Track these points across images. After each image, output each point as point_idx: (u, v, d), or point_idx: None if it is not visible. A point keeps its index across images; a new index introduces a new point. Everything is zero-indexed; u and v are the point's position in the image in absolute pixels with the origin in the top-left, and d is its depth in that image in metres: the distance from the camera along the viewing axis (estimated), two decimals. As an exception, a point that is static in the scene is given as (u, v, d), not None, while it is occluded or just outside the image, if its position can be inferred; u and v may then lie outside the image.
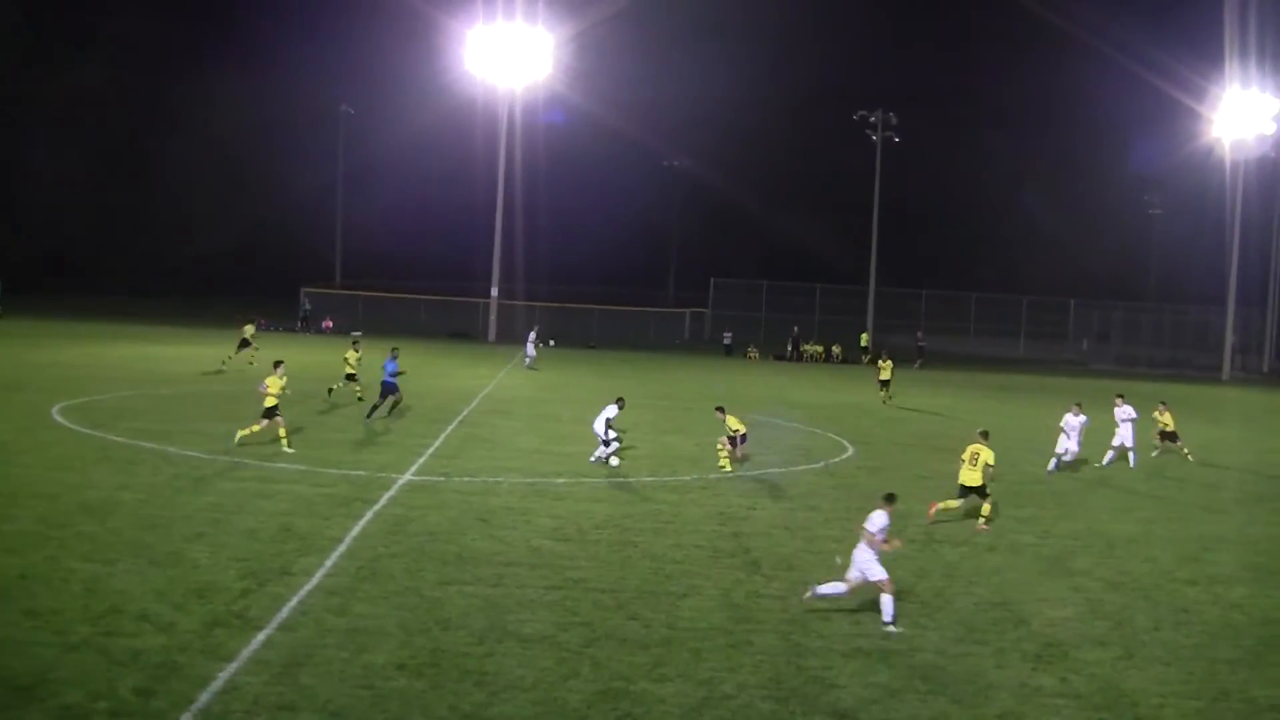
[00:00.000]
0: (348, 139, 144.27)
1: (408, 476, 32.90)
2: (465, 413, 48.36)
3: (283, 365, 38.18)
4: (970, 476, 30.40)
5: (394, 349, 47.14)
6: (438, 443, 39.24)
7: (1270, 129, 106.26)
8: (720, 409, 38.35)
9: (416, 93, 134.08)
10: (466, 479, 33.20)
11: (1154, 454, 45.19)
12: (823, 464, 39.74)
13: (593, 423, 37.54)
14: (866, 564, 21.27)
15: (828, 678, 18.33)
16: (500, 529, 26.94)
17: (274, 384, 37.08)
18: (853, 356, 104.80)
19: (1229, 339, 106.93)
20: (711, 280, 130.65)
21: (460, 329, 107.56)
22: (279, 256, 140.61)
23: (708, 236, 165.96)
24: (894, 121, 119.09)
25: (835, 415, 54.84)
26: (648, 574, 23.72)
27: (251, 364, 61.11)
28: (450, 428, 43.25)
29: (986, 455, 30.32)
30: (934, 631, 20.98)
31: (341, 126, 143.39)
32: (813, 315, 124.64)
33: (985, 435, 31.16)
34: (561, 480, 33.85)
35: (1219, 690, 18.92)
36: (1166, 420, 45.32)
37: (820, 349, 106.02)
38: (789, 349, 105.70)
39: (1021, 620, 21.94)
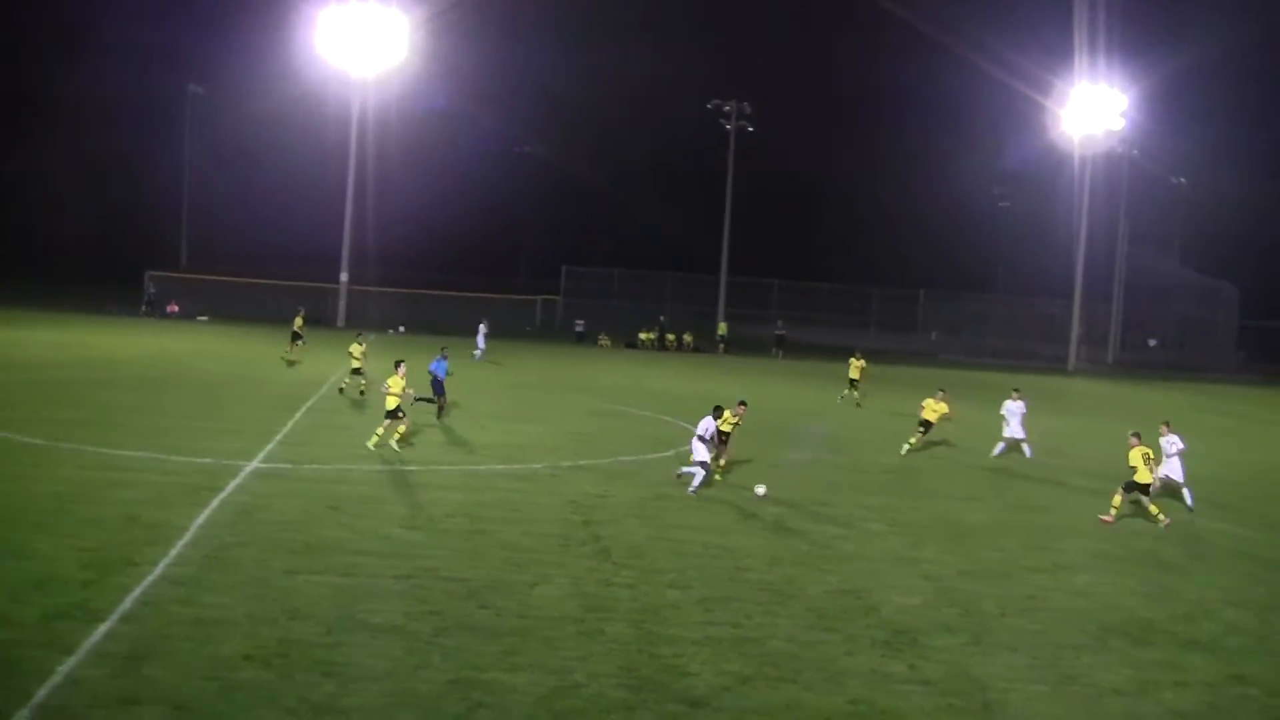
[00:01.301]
0: (197, 121, 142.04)
1: (255, 464, 32.42)
2: (314, 400, 47.76)
3: (404, 365, 37.89)
4: (1142, 475, 31.90)
5: (444, 349, 46.45)
6: (286, 429, 38.72)
7: (1118, 125, 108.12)
8: (742, 404, 36.28)
9: (267, 74, 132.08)
10: (316, 467, 32.81)
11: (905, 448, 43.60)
12: (674, 453, 39.76)
13: (693, 448, 33.36)
14: None
15: (680, 666, 18.33)
16: (351, 517, 26.63)
17: (395, 384, 36.60)
18: (706, 346, 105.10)
19: (1075, 331, 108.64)
20: (563, 268, 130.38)
21: (309, 315, 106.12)
22: (125, 240, 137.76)
23: (561, 224, 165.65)
24: (748, 111, 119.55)
25: (687, 404, 54.93)
26: (499, 562, 23.58)
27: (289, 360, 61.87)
28: (299, 414, 42.71)
29: (1139, 454, 31.94)
30: (785, 619, 21.07)
31: (190, 107, 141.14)
32: (665, 304, 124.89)
33: (1139, 436, 32.47)
34: (413, 468, 33.57)
35: (1064, 675, 19.25)
36: (935, 408, 43.71)
37: (673, 338, 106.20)
38: (657, 338, 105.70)
39: (872, 608, 22.12)
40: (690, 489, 32.80)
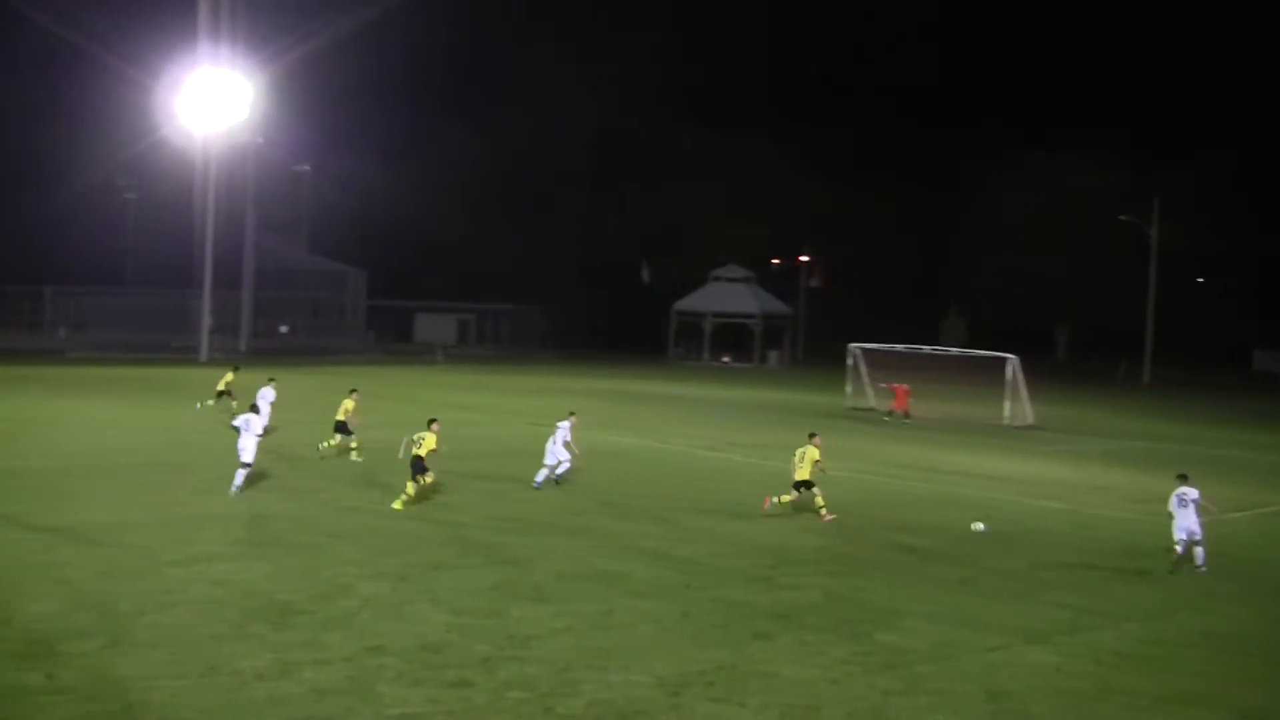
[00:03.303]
0: None
1: None
2: None
3: None
4: (801, 472, 34.23)
5: None
6: None
7: (244, 113, 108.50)
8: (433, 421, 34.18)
9: None
10: None
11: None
12: None
13: (241, 449, 33.74)
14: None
15: None
16: None
17: None
18: None
19: (206, 320, 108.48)
20: None
21: None
22: None
23: None
24: None
25: None
26: None
27: None
28: None
29: (813, 454, 34.24)
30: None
31: None
32: None
33: (812, 436, 35.00)
34: None
35: (207, 666, 19.16)
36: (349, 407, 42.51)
37: None
38: None
39: (4, 620, 21.09)
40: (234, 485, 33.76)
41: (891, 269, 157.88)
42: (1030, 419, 65.62)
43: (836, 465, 45.99)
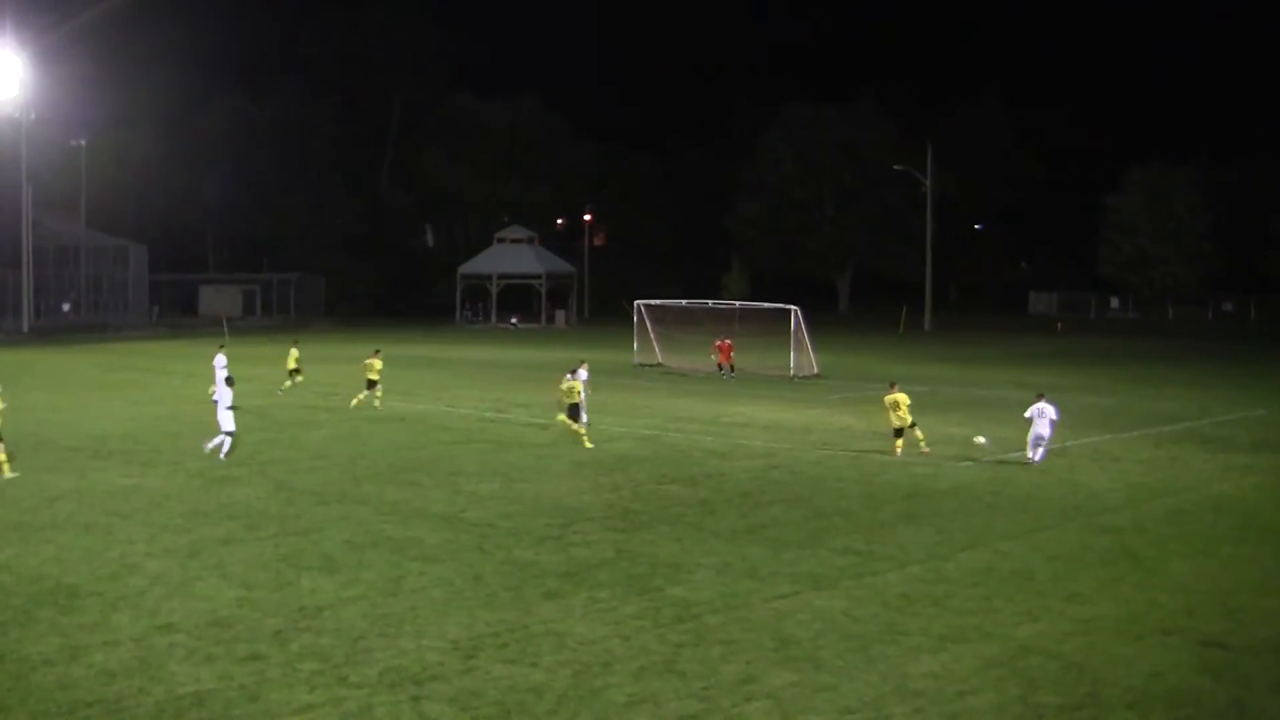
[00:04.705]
0: None
1: None
2: None
3: None
4: (895, 419, 38.82)
5: None
6: None
7: (13, 91, 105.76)
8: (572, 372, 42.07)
9: None
10: None
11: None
12: None
13: (221, 420, 37.14)
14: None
15: None
16: None
17: None
18: None
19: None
20: None
21: None
22: None
23: None
24: None
25: None
26: None
27: None
28: None
29: (891, 400, 38.83)
30: None
31: None
32: None
33: (893, 385, 39.90)
34: None
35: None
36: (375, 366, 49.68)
37: None
38: None
39: None
40: (222, 454, 36.73)
41: (673, 225, 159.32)
42: (815, 369, 66.61)
43: (628, 421, 46.62)
